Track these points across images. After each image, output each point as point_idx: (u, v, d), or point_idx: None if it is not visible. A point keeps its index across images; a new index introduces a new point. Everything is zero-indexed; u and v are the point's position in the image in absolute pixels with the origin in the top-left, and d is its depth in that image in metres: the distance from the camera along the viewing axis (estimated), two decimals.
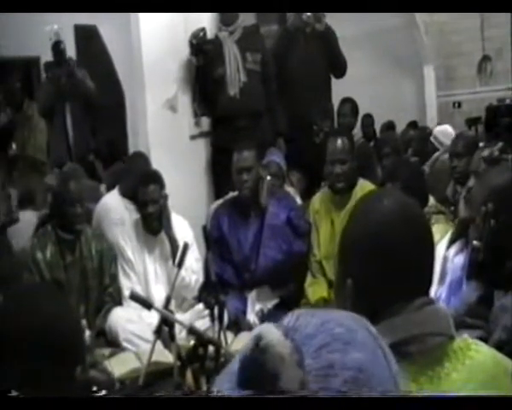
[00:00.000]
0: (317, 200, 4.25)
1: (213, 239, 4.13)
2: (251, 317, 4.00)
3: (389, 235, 1.29)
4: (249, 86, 4.89)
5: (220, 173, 4.81)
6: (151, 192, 3.91)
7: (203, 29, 4.91)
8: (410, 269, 1.29)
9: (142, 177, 4.01)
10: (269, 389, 0.76)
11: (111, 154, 6.08)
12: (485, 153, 2.67)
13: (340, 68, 5.47)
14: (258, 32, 5.19)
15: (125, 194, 4.33)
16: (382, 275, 1.28)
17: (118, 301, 3.90)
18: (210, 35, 4.99)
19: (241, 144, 4.18)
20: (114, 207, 4.28)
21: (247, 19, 5.26)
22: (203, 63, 4.94)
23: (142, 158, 4.53)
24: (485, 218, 1.99)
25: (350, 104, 5.75)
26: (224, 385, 0.81)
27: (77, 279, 3.79)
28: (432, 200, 3.81)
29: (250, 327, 3.88)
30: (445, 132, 5.82)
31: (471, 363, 1.24)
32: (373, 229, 1.30)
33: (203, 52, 4.91)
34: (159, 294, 3.75)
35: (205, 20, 4.95)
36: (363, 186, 4.06)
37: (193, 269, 3.94)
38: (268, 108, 5.02)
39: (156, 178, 3.97)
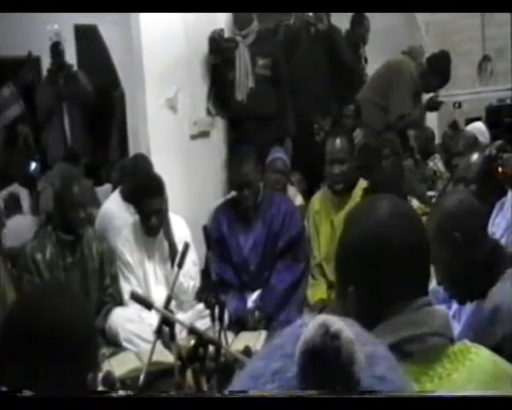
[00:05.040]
0: (317, 200, 4.22)
1: (213, 240, 4.13)
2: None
3: (387, 238, 1.30)
4: (257, 91, 4.92)
5: None
6: (155, 203, 3.84)
7: (222, 29, 4.96)
8: (408, 270, 1.31)
9: (144, 187, 3.92)
10: (344, 375, 0.76)
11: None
12: (486, 152, 2.69)
13: (343, 68, 5.46)
14: (270, 35, 5.22)
15: (126, 198, 4.33)
16: (383, 279, 1.30)
17: (118, 301, 3.89)
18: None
19: (239, 156, 4.14)
20: (118, 215, 4.27)
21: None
22: (219, 62, 4.98)
23: (143, 160, 4.52)
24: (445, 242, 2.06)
25: (353, 105, 5.74)
26: (266, 387, 0.79)
27: (77, 280, 3.76)
28: (415, 201, 3.80)
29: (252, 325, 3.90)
30: (479, 130, 5.77)
31: (471, 365, 1.26)
32: (371, 234, 1.32)
33: (220, 51, 4.95)
34: (159, 295, 3.74)
35: (205, 20, 4.95)
36: (363, 187, 4.04)
37: (190, 275, 3.92)
38: (278, 111, 5.05)
39: (159, 189, 3.89)
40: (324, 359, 0.76)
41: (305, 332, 0.77)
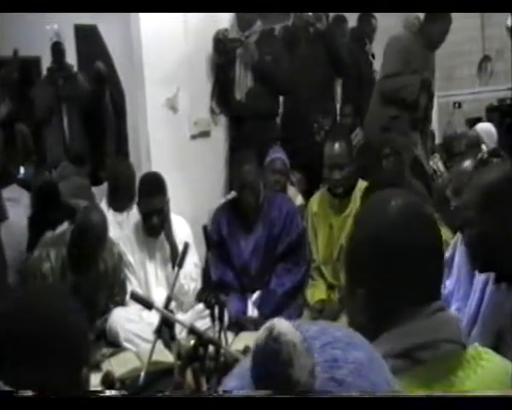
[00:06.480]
0: (315, 202, 4.20)
1: (213, 243, 4.13)
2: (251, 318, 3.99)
3: (400, 239, 1.24)
4: (256, 90, 4.91)
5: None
6: (156, 203, 3.82)
7: (227, 30, 4.97)
8: (422, 273, 1.25)
9: (145, 187, 3.89)
10: (282, 376, 0.78)
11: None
12: (478, 156, 2.67)
13: (342, 68, 5.44)
14: (273, 35, 5.21)
15: (114, 208, 4.32)
16: (395, 281, 1.24)
17: (122, 305, 3.87)
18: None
19: (240, 158, 4.15)
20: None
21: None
22: (224, 62, 4.98)
23: (124, 165, 4.51)
24: (481, 214, 2.01)
25: (352, 105, 5.75)
26: (233, 383, 0.82)
27: (88, 294, 3.58)
28: None
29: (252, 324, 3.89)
30: (487, 131, 5.67)
31: (483, 372, 1.22)
32: (383, 234, 1.25)
33: (225, 51, 4.96)
34: (160, 296, 3.73)
35: (206, 20, 4.95)
36: (362, 189, 4.03)
37: (192, 277, 3.92)
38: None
39: (160, 188, 3.86)
40: (265, 359, 0.79)
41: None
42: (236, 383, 0.83)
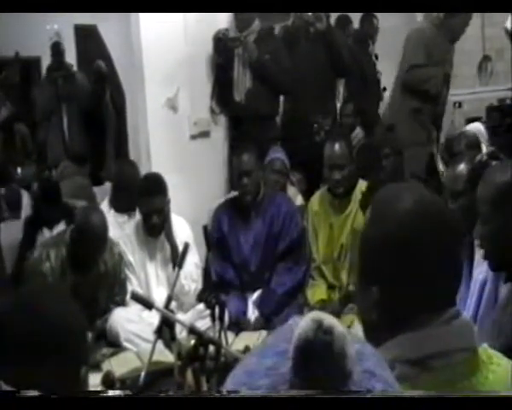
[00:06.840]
0: (316, 201, 4.21)
1: (214, 239, 4.15)
2: (251, 318, 3.99)
3: (416, 235, 1.20)
4: (255, 91, 4.91)
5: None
6: (156, 203, 3.82)
7: (227, 29, 4.96)
8: (438, 274, 1.20)
9: (145, 187, 3.88)
10: (337, 368, 0.77)
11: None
12: (477, 158, 2.67)
13: (342, 68, 5.44)
14: (272, 34, 5.21)
15: (117, 208, 4.32)
16: (409, 281, 1.19)
17: (122, 305, 3.87)
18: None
19: (240, 148, 4.18)
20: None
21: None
22: (224, 62, 4.98)
23: (130, 166, 4.50)
24: (494, 214, 2.01)
25: (352, 104, 5.74)
26: (259, 382, 0.80)
27: (88, 294, 3.58)
28: None
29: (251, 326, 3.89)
30: (478, 130, 5.67)
31: (494, 377, 1.20)
32: (399, 229, 1.20)
33: (225, 51, 4.95)
34: (160, 296, 3.73)
35: (206, 20, 4.95)
36: (363, 189, 4.03)
37: (192, 277, 3.92)
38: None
39: (160, 188, 3.85)
40: (317, 352, 0.77)
41: (298, 328, 0.78)
42: (265, 381, 0.81)
